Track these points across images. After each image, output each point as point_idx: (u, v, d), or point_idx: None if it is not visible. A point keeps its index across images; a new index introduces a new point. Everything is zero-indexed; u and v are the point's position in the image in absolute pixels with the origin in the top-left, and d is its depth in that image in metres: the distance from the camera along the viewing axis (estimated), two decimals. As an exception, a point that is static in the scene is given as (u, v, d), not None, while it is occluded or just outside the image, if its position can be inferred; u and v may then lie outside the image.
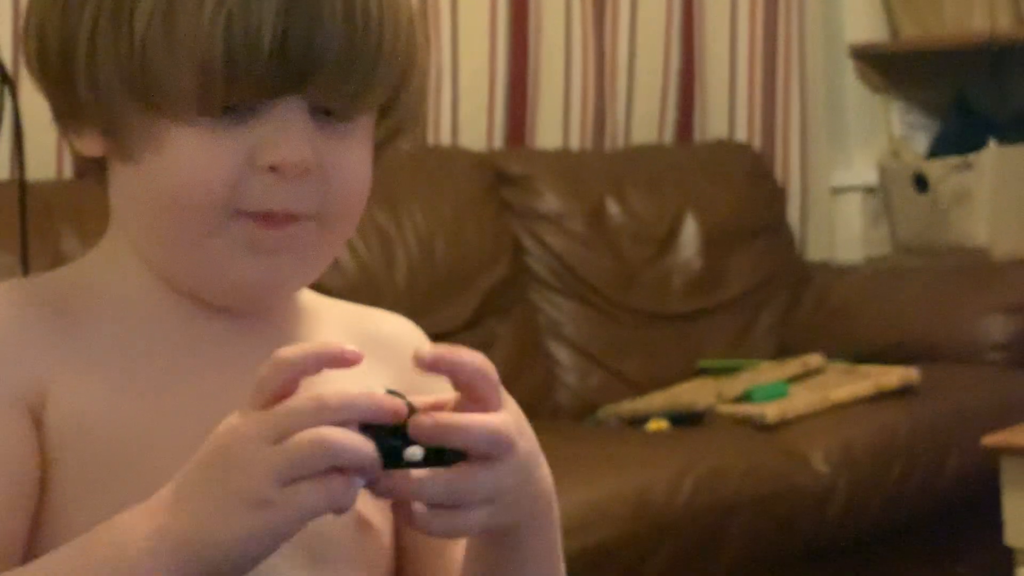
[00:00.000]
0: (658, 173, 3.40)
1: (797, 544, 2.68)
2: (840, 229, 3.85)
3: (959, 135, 3.81)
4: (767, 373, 3.06)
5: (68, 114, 0.94)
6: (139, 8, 0.89)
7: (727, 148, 3.61)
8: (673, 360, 3.21)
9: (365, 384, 0.84)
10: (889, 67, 3.90)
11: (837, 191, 3.86)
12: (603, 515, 2.51)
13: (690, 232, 3.36)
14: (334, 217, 0.94)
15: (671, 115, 3.58)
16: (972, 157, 3.64)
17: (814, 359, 3.09)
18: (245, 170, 0.90)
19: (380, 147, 0.98)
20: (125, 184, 0.94)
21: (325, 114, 0.92)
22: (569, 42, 3.40)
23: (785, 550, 2.67)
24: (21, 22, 0.99)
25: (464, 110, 3.28)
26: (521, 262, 3.18)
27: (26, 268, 1.81)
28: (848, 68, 3.88)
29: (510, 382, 3.28)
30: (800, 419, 2.83)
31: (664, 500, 2.58)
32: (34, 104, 1.05)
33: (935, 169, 3.71)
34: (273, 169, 0.90)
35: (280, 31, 0.88)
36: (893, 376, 2.99)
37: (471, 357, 0.85)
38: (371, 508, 0.96)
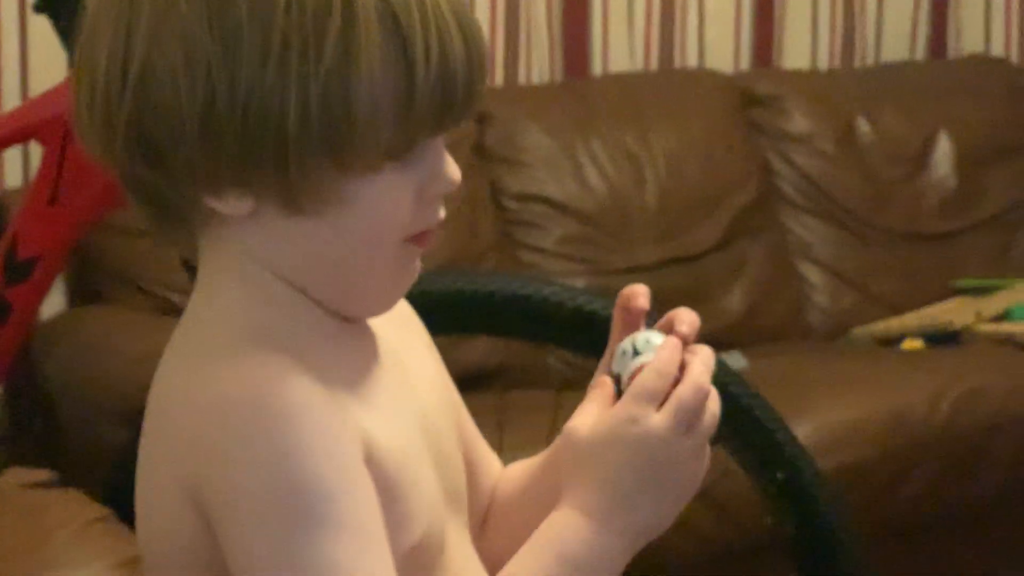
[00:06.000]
0: (910, 90, 3.33)
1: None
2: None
3: None
4: (1027, 292, 2.98)
5: (221, 175, 0.93)
6: (351, 73, 0.91)
7: (983, 63, 3.51)
8: (928, 281, 3.15)
9: (424, 350, 1.07)
10: None
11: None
12: (859, 433, 2.50)
13: (944, 150, 3.28)
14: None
15: (923, 30, 3.50)
16: None
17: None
18: (418, 202, 0.96)
19: None
20: (291, 237, 0.95)
21: None
22: (817, -41, 3.35)
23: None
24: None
25: (710, 32, 3.26)
26: (771, 183, 3.16)
27: None
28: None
29: (761, 303, 3.27)
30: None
31: (922, 419, 2.55)
32: None
33: None
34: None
35: (467, 81, 0.95)
36: None
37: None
38: (468, 450, 1.10)
